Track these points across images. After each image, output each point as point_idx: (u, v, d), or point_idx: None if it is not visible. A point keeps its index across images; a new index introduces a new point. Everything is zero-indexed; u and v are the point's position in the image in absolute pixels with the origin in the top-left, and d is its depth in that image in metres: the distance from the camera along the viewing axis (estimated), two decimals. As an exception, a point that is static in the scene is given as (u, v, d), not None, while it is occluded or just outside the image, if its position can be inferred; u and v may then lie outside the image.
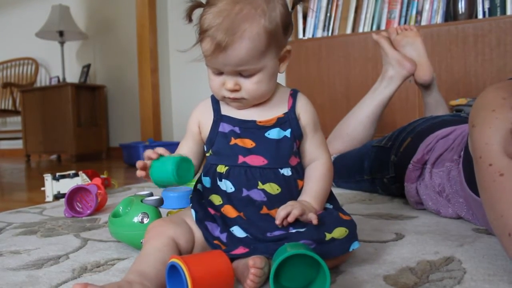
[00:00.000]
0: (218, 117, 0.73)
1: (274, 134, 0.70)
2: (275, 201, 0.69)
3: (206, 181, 0.74)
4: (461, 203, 0.97)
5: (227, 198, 0.70)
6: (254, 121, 0.71)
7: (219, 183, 0.71)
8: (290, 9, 0.71)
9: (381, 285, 0.63)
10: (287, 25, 0.69)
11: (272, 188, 0.69)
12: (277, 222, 0.65)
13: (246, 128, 0.71)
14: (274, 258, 0.58)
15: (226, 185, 0.70)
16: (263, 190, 0.69)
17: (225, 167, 0.71)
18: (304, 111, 0.73)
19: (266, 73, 0.68)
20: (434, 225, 0.97)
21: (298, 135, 0.72)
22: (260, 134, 0.70)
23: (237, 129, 0.71)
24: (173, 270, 0.59)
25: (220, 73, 0.69)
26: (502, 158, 0.64)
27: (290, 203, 0.68)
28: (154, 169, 0.65)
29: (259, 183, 0.69)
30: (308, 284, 0.60)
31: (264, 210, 0.69)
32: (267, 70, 0.68)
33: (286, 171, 0.70)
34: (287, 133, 0.71)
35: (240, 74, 0.67)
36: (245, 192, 0.69)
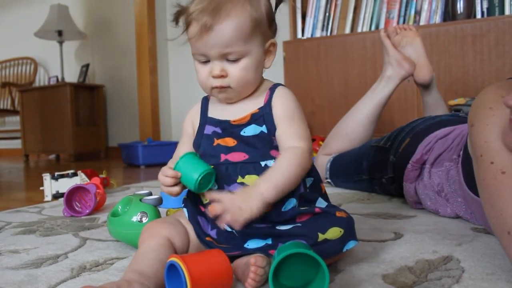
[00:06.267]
0: (204, 120, 0.74)
1: (250, 131, 0.70)
2: None
3: None
4: (459, 203, 0.98)
5: None
6: (228, 121, 0.71)
7: None
8: (273, 9, 0.72)
9: (379, 284, 0.63)
10: (271, 19, 0.71)
11: (252, 179, 0.68)
12: (210, 215, 0.63)
13: (225, 128, 0.71)
14: (274, 257, 0.58)
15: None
16: (242, 184, 0.69)
17: None
18: (278, 102, 0.70)
19: (252, 59, 0.68)
20: (433, 225, 0.97)
21: (273, 130, 0.70)
22: (237, 133, 0.70)
23: (218, 130, 0.72)
24: (172, 269, 0.59)
25: (206, 61, 0.69)
26: (503, 156, 0.64)
27: (227, 198, 0.62)
28: (181, 170, 0.69)
29: (239, 177, 0.69)
30: (307, 283, 0.60)
31: None
32: (253, 57, 0.69)
33: (269, 163, 0.69)
34: (263, 128, 0.70)
35: (226, 60, 0.68)
36: (226, 188, 0.70)
